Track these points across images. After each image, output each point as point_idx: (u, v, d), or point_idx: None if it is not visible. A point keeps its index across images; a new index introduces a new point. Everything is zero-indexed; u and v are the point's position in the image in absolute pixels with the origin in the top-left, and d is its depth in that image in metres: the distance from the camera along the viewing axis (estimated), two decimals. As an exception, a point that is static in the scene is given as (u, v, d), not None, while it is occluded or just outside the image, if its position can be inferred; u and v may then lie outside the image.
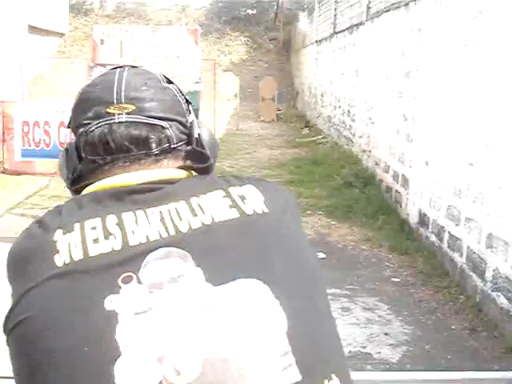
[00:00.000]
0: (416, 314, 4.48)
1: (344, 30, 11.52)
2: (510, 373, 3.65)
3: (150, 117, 1.08)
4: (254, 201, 1.03)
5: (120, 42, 5.92)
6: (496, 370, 3.69)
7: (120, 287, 0.89)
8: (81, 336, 0.87)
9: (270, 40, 23.37)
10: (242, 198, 1.03)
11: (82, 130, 1.09)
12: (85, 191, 1.08)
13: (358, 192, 7.89)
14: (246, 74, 19.99)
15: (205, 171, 1.11)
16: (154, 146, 1.07)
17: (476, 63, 4.74)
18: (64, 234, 0.96)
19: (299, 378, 0.87)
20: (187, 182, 1.06)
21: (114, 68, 1.14)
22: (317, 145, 12.52)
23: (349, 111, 10.84)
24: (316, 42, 15.44)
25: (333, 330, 1.00)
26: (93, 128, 1.07)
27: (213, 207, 1.00)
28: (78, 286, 0.91)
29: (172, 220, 0.97)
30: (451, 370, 3.67)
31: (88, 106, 1.10)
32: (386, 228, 6.49)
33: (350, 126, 10.77)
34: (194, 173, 1.10)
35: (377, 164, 8.33)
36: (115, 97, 1.08)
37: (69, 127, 1.15)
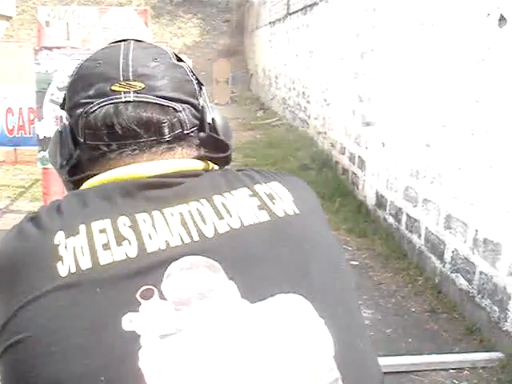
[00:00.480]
0: (375, 297, 4.44)
1: (298, 11, 11.41)
2: (471, 354, 3.65)
3: (161, 97, 0.92)
4: (283, 201, 0.90)
5: (66, 24, 5.68)
6: (457, 352, 3.68)
7: (140, 303, 0.74)
8: (95, 362, 0.71)
9: (223, 22, 23.13)
10: (271, 198, 0.89)
11: (80, 110, 0.93)
12: (86, 184, 0.91)
13: (314, 174, 7.83)
14: (199, 57, 19.74)
15: (224, 162, 1.00)
16: (166, 131, 0.92)
17: (432, 43, 4.68)
18: (67, 237, 0.79)
19: None
20: (209, 176, 0.90)
21: (118, 41, 0.99)
22: (272, 127, 12.44)
23: (303, 93, 10.77)
24: (270, 23, 15.31)
25: (371, 347, 0.87)
26: (95, 108, 0.91)
27: (240, 208, 0.85)
28: (88, 301, 0.74)
29: (195, 223, 0.82)
30: (413, 354, 3.64)
31: (89, 82, 0.93)
32: (343, 210, 6.44)
33: (304, 107, 10.70)
34: (212, 164, 0.97)
35: (333, 146, 8.28)
36: (121, 73, 0.92)
37: (62, 108, 0.98)
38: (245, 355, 0.72)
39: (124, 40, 0.99)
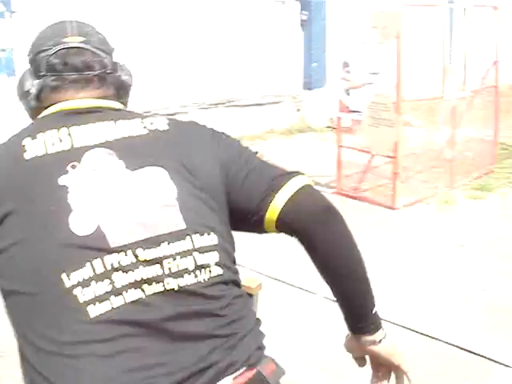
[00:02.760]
0: None
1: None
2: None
3: (95, 47, 1.47)
4: (158, 124, 1.45)
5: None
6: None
7: (68, 171, 1.30)
8: (43, 200, 1.27)
9: None
10: (150, 123, 1.44)
11: (43, 54, 1.45)
12: (46, 112, 1.44)
13: None
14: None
15: (126, 96, 1.58)
16: (97, 67, 1.47)
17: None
18: (32, 139, 1.35)
19: (184, 226, 1.29)
20: (117, 111, 1.47)
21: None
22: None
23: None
24: None
25: (207, 211, 1.36)
26: (54, 50, 1.44)
27: (131, 127, 1.41)
28: (40, 171, 1.31)
29: (103, 132, 1.38)
30: None
31: (48, 37, 1.48)
32: None
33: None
34: (122, 105, 1.53)
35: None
36: (69, 30, 1.48)
37: (28, 56, 1.50)
38: (128, 196, 1.30)
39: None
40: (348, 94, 6.56)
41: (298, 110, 10.29)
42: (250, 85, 9.57)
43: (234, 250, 1.40)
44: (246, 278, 1.54)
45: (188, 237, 1.28)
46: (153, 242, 1.26)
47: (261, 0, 9.58)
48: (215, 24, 8.99)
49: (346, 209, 5.12)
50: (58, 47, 1.43)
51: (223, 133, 1.53)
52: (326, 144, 9.27)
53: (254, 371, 1.26)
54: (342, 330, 1.52)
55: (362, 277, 1.40)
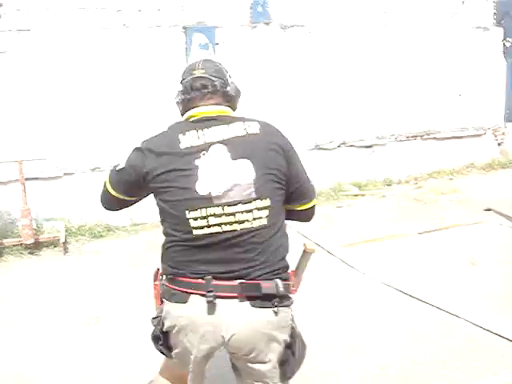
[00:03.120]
0: None
1: None
2: None
3: (209, 74, 2.42)
4: (253, 128, 2.36)
5: None
6: None
7: (200, 157, 2.29)
8: (186, 171, 2.28)
9: None
10: (248, 126, 2.36)
11: (184, 81, 2.47)
12: (183, 117, 2.49)
13: None
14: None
15: (233, 105, 2.50)
16: (209, 87, 2.42)
17: None
18: (183, 135, 2.34)
19: (254, 196, 2.26)
20: (228, 116, 2.42)
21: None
22: None
23: None
24: None
25: (270, 188, 2.31)
26: (187, 79, 2.46)
27: (236, 129, 2.35)
28: (187, 154, 2.30)
29: (221, 133, 2.33)
30: None
31: (187, 71, 2.50)
32: None
33: None
34: (231, 110, 2.48)
35: None
36: (196, 66, 2.47)
37: (180, 82, 2.50)
38: (232, 170, 2.27)
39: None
40: None
41: (500, 143, 9.67)
42: (448, 117, 9.16)
43: (279, 210, 2.35)
44: (307, 243, 2.56)
45: (254, 201, 2.27)
46: (233, 203, 2.26)
47: (461, 27, 9.15)
48: (413, 54, 8.73)
49: None
50: (190, 77, 2.46)
51: (293, 148, 2.43)
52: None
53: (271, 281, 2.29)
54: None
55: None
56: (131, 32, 6.85)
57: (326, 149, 8.27)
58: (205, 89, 2.40)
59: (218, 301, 2.22)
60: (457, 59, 9.11)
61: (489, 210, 7.28)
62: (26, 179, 6.17)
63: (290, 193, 2.38)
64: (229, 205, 2.24)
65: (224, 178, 2.25)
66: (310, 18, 7.89)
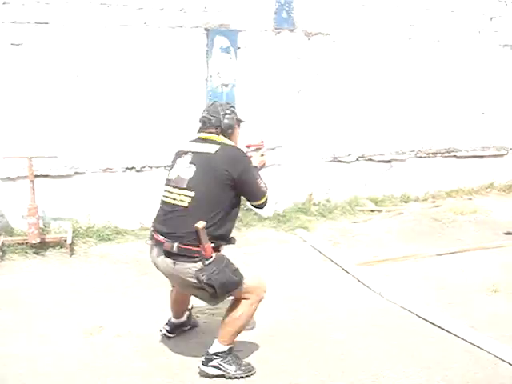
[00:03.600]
0: None
1: None
2: None
3: (209, 114, 3.78)
4: (212, 149, 3.62)
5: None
6: None
7: (182, 156, 3.74)
8: (173, 165, 3.79)
9: None
10: (211, 147, 3.64)
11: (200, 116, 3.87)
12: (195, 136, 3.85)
13: None
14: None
15: (223, 132, 3.75)
16: (207, 122, 3.76)
17: None
18: (185, 144, 3.84)
19: (185, 186, 3.59)
20: (212, 139, 3.72)
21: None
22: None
23: None
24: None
25: (203, 185, 3.58)
26: (200, 117, 3.86)
27: (207, 148, 3.64)
28: (181, 155, 3.75)
29: (197, 148, 3.69)
30: None
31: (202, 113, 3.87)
32: None
33: None
34: (220, 135, 3.75)
35: None
36: (206, 108, 3.89)
37: None
38: (184, 167, 3.66)
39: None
40: None
41: (521, 164, 9.43)
42: (470, 135, 8.93)
43: (209, 202, 3.53)
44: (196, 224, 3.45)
45: (183, 189, 3.55)
46: (174, 187, 3.61)
47: (487, 44, 8.92)
48: (438, 69, 8.51)
49: None
50: (201, 116, 3.82)
51: (241, 167, 3.61)
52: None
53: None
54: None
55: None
56: (152, 31, 6.64)
57: (343, 161, 8.04)
58: (203, 123, 3.81)
59: (156, 247, 3.67)
60: (482, 76, 8.88)
61: (509, 233, 7.05)
62: (35, 176, 5.98)
63: (241, 193, 3.68)
64: (173, 187, 3.63)
65: (178, 172, 3.65)
66: (335, 26, 7.66)
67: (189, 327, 4.33)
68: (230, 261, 3.51)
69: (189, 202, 3.52)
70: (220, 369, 3.65)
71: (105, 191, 6.65)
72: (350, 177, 8.04)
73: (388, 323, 4.49)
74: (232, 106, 3.89)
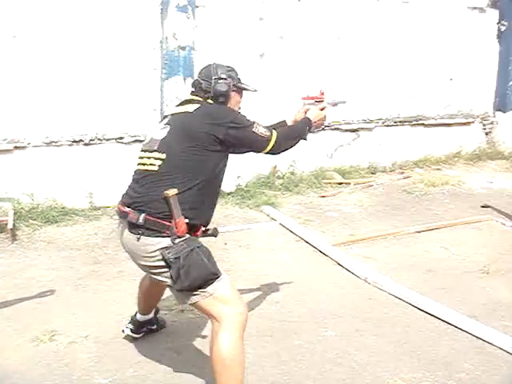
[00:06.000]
0: None
1: None
2: None
3: (200, 78, 3.17)
4: (192, 108, 3.01)
5: None
6: None
7: (162, 121, 3.20)
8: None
9: None
10: (193, 107, 3.03)
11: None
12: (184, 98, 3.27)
13: None
14: None
15: (216, 97, 3.10)
16: (197, 86, 3.16)
17: None
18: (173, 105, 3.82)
19: (156, 148, 2.98)
20: (196, 102, 3.08)
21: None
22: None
23: None
24: None
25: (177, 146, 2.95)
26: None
27: (186, 108, 3.05)
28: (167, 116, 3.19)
29: (179, 109, 3.12)
30: None
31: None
32: None
33: None
34: (206, 99, 3.12)
35: None
36: (199, 71, 3.26)
37: None
38: (159, 128, 3.10)
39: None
40: None
41: (488, 133, 9.06)
42: (438, 102, 8.52)
43: (184, 167, 2.89)
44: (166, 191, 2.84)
45: (153, 152, 2.96)
46: (145, 150, 3.05)
47: (455, 7, 8.46)
48: (405, 33, 8.02)
49: None
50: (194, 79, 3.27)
51: (228, 121, 2.95)
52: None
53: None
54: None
55: None
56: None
57: (309, 131, 7.49)
58: (193, 87, 3.22)
59: (122, 221, 3.03)
60: (450, 41, 8.44)
61: (487, 206, 6.67)
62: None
63: (240, 151, 3.10)
64: (145, 151, 3.05)
65: (152, 134, 3.10)
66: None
67: (155, 327, 3.71)
68: (207, 248, 2.88)
69: (159, 166, 2.90)
70: None
71: (49, 167, 5.97)
72: (316, 147, 7.46)
73: (382, 316, 3.98)
74: (231, 70, 3.20)
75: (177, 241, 2.79)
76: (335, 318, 3.95)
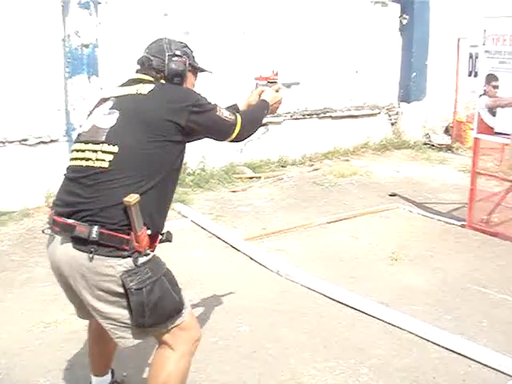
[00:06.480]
0: None
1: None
2: None
3: (149, 54, 2.67)
4: (146, 89, 2.53)
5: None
6: None
7: (102, 105, 2.58)
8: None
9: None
10: (146, 88, 2.54)
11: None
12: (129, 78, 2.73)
13: None
14: None
15: (166, 79, 2.66)
16: (146, 63, 2.66)
17: None
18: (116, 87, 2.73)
19: (103, 139, 2.41)
20: (145, 82, 2.61)
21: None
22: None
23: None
24: None
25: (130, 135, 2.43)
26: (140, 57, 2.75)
27: (135, 89, 2.55)
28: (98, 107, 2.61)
29: (124, 91, 2.58)
30: None
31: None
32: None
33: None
34: (157, 78, 2.65)
35: None
36: (147, 46, 2.74)
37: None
38: (103, 114, 2.53)
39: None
40: (493, 113, 5.55)
41: (393, 123, 9.30)
42: (345, 94, 8.64)
43: (140, 162, 2.38)
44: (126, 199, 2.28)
45: (101, 144, 2.40)
46: (86, 141, 2.48)
47: (358, 2, 8.62)
48: (311, 27, 8.09)
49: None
50: (141, 56, 2.73)
51: (191, 104, 2.53)
52: (427, 164, 8.36)
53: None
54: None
55: None
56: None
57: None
58: (141, 64, 2.71)
59: (58, 236, 2.38)
60: (354, 35, 8.61)
61: (394, 195, 6.84)
62: None
63: (204, 137, 2.74)
64: (86, 142, 2.46)
65: (93, 121, 2.53)
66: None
67: None
68: (170, 271, 2.47)
69: (110, 162, 2.34)
70: None
71: None
72: (224, 142, 7.43)
73: (295, 308, 3.98)
74: (185, 46, 2.78)
75: (140, 261, 2.29)
76: (249, 312, 3.91)
